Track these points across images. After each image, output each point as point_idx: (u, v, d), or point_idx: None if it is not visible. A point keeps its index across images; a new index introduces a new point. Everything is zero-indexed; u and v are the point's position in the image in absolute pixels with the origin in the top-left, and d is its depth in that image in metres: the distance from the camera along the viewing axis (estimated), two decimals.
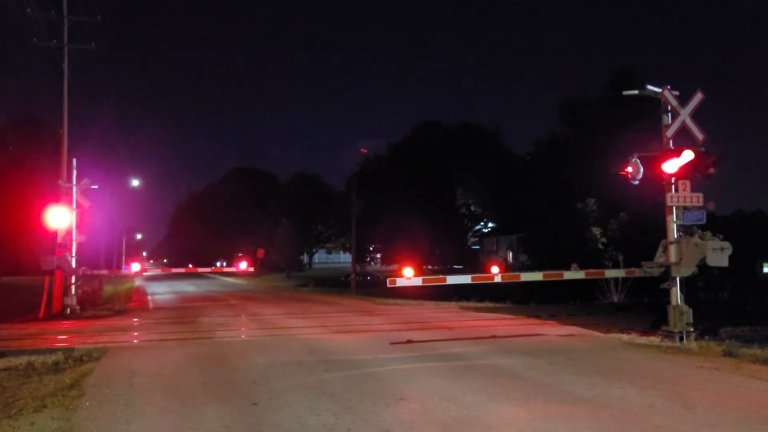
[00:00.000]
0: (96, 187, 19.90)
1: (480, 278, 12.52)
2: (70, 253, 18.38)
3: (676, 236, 11.11)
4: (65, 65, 20.96)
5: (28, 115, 36.93)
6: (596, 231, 32.06)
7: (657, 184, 11.26)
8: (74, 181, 19.04)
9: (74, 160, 19.69)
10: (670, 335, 10.74)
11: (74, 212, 18.55)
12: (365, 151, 49.19)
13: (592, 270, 13.80)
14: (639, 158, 10.97)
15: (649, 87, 11.20)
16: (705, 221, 11.47)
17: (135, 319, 17.14)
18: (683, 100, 10.97)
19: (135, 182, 45.59)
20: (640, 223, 33.04)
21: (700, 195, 10.89)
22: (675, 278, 10.95)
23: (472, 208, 59.61)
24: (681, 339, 10.55)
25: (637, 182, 11.10)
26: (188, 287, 39.01)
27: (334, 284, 40.00)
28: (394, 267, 54.92)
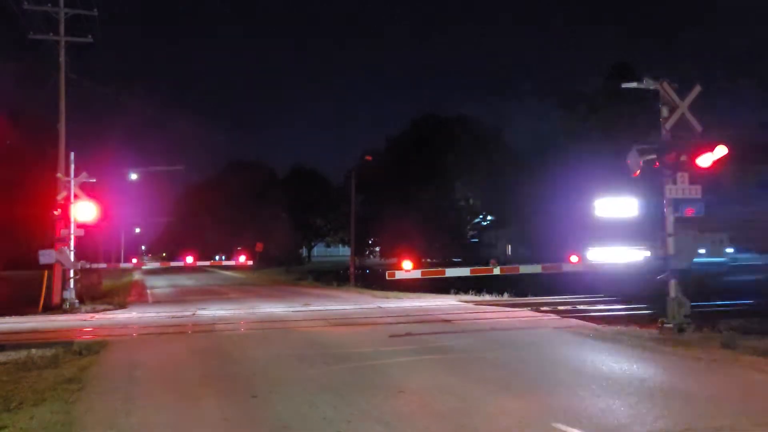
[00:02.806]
0: (94, 180, 19.81)
1: (479, 271, 12.59)
2: (69, 247, 18.36)
3: (674, 228, 11.11)
4: (62, 59, 20.84)
5: (26, 109, 36.80)
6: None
7: (655, 176, 11.24)
8: (72, 175, 19.00)
9: (72, 154, 19.61)
10: (668, 327, 10.75)
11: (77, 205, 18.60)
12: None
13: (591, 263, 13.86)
14: (637, 151, 10.95)
15: (648, 79, 11.17)
16: (704, 213, 11.45)
17: (134, 313, 17.15)
18: (681, 93, 10.95)
19: (133, 176, 45.46)
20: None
21: (699, 187, 10.87)
22: (673, 270, 10.96)
23: (471, 202, 59.66)
24: (680, 331, 10.57)
25: (635, 175, 11.08)
26: (187, 281, 39.03)
27: (333, 277, 39.98)
28: (393, 260, 54.92)
